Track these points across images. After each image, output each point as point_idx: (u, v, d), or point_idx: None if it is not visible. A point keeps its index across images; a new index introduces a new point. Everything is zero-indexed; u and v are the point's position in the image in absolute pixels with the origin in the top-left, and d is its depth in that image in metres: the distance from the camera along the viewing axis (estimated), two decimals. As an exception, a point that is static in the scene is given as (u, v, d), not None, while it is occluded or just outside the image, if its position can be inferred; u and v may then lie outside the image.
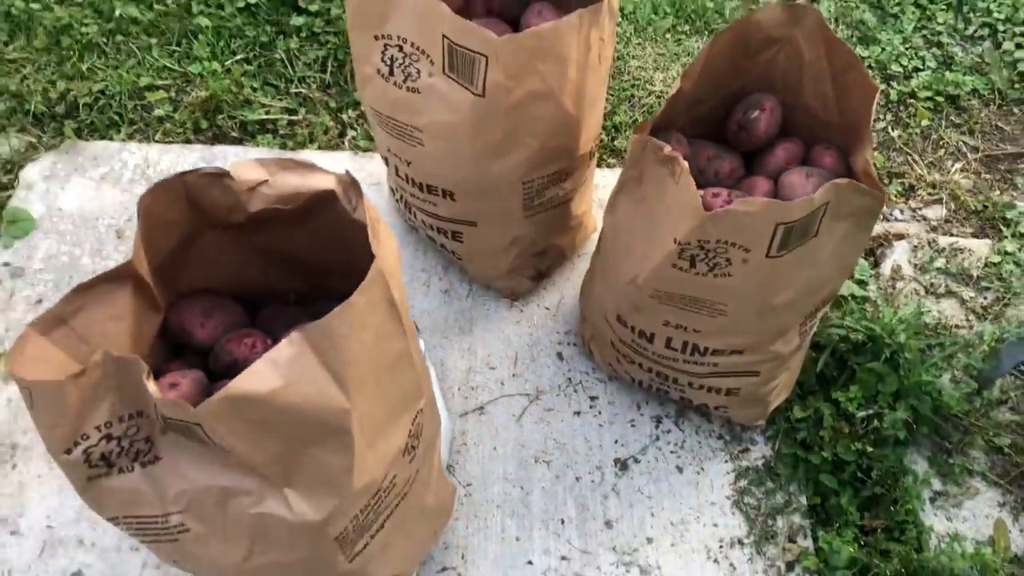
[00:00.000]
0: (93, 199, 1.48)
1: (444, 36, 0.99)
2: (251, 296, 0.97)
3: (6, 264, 1.39)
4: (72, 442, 0.72)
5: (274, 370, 0.69)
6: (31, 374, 0.70)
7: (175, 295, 0.91)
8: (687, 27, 1.88)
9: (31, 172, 1.51)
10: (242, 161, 0.82)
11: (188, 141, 1.60)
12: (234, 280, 0.95)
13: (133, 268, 0.79)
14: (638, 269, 1.03)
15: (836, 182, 0.89)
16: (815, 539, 1.21)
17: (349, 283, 0.73)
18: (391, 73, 1.08)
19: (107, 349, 0.70)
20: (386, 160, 1.26)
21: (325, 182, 0.82)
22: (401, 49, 1.06)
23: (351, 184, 0.81)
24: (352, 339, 0.72)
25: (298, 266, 0.97)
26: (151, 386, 0.69)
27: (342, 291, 0.73)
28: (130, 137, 1.60)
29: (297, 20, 1.74)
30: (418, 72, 1.06)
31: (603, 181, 1.54)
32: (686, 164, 0.90)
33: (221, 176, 0.81)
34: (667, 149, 0.92)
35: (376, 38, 1.07)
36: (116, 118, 1.62)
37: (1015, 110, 1.80)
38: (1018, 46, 1.89)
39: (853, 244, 0.99)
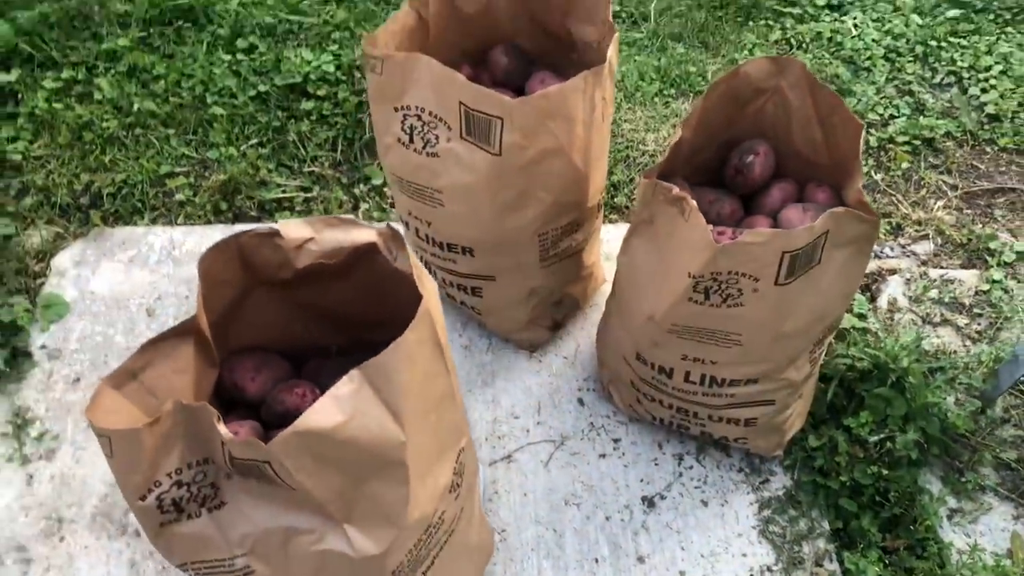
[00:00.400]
0: (123, 281, 1.55)
1: (461, 103, 1.08)
2: (294, 351, 1.03)
3: (43, 347, 1.45)
4: (147, 488, 0.77)
5: (337, 406, 0.74)
6: (109, 424, 0.75)
7: (225, 352, 0.96)
8: (673, 90, 2.00)
9: (62, 259, 1.58)
10: (290, 221, 0.89)
11: (209, 222, 1.68)
12: (279, 336, 1.01)
13: (196, 324, 0.85)
14: (655, 306, 1.09)
15: (834, 211, 0.96)
16: (841, 562, 1.25)
17: (388, 335, 0.78)
18: (411, 141, 1.16)
19: (176, 399, 0.75)
20: (406, 224, 1.33)
21: (367, 235, 0.88)
22: (420, 118, 1.14)
23: (392, 236, 0.88)
24: (404, 374, 0.77)
25: (338, 320, 1.03)
26: (221, 428, 0.74)
27: (380, 343, 0.77)
28: (153, 222, 1.68)
29: (306, 105, 1.84)
30: (436, 138, 1.14)
31: (606, 235, 1.61)
32: (694, 203, 0.98)
33: (272, 235, 0.87)
34: (676, 190, 1.00)
35: (396, 109, 1.16)
36: (139, 205, 1.70)
37: (987, 149, 1.91)
38: (983, 90, 2.02)
39: (854, 270, 1.06)
